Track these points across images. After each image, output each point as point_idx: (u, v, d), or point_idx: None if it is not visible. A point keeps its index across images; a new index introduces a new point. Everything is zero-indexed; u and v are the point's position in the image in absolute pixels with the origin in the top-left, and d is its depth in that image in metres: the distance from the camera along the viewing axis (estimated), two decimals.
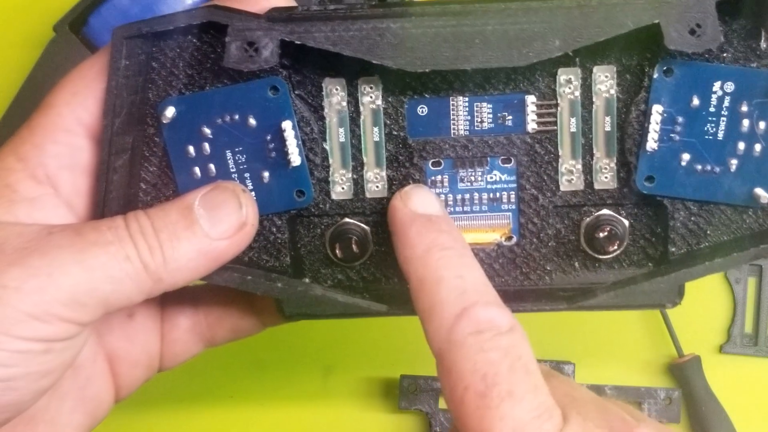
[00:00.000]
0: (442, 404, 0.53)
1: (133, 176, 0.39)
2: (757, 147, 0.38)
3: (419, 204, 0.37)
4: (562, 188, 0.40)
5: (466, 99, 0.39)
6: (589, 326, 0.56)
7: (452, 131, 0.40)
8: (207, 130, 0.39)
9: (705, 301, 0.56)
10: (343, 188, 0.41)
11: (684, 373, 0.57)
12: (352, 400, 0.55)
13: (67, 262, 0.34)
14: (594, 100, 0.39)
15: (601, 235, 0.40)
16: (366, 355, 0.55)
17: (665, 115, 0.38)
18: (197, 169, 0.39)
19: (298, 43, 0.37)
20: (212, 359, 0.51)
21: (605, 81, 0.39)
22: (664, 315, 0.56)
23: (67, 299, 0.34)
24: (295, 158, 0.38)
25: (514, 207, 0.40)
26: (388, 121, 0.40)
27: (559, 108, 0.39)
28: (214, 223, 0.37)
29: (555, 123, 0.39)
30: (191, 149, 0.39)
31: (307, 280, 0.41)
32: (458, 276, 0.34)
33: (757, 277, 0.56)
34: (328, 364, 0.55)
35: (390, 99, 0.40)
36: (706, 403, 0.56)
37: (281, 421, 0.56)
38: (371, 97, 0.40)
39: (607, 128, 0.39)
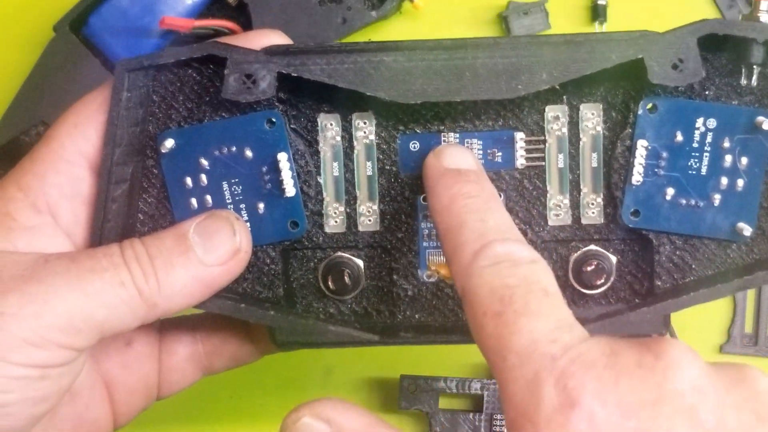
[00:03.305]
0: (442, 404, 0.53)
1: (131, 206, 0.40)
2: (740, 182, 0.39)
3: (450, 160, 0.38)
4: (550, 223, 0.41)
5: (457, 135, 0.40)
6: None
7: None
8: (204, 162, 0.39)
9: None
10: (336, 221, 0.41)
11: None
12: (352, 400, 0.54)
13: (63, 288, 0.35)
14: (581, 136, 0.40)
15: (588, 269, 0.40)
16: (366, 355, 0.54)
17: (650, 149, 0.39)
18: (194, 200, 0.40)
19: (295, 75, 0.38)
20: None
21: (592, 118, 0.40)
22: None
23: (63, 325, 0.35)
24: (290, 189, 0.39)
25: None
26: (381, 156, 0.41)
27: (547, 144, 0.40)
28: (209, 250, 0.37)
29: (543, 159, 0.40)
30: (189, 180, 0.40)
31: (300, 311, 0.42)
32: (480, 220, 0.34)
33: None
34: (328, 364, 0.55)
35: (383, 134, 0.41)
36: None
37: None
38: (365, 132, 0.41)
39: (594, 164, 0.40)
